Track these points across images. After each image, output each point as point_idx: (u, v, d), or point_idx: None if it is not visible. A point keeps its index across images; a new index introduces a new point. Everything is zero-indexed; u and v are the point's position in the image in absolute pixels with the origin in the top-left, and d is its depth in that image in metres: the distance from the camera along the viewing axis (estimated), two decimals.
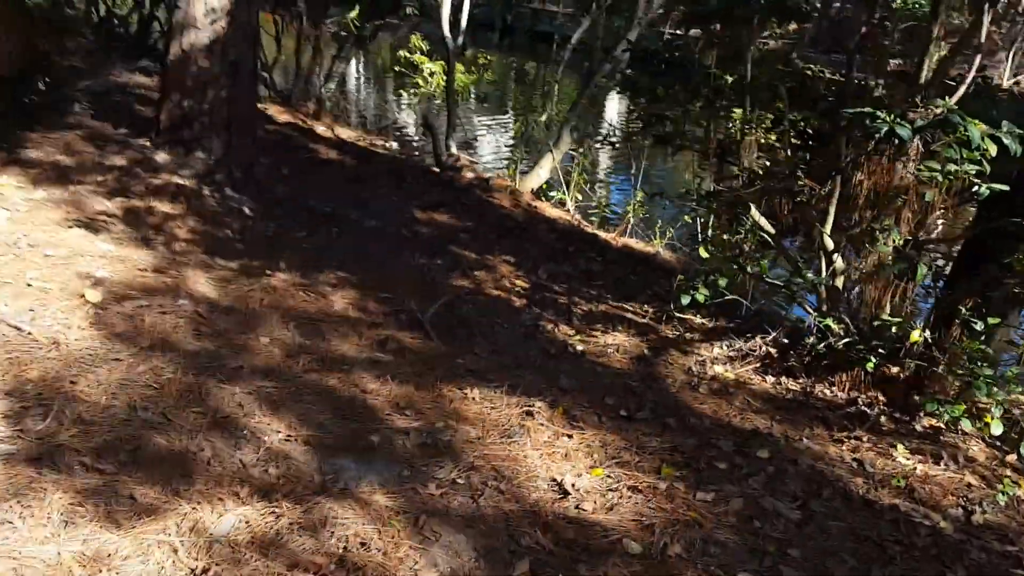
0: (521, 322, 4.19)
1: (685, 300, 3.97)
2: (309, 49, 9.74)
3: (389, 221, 5.54)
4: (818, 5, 7.33)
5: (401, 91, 10.31)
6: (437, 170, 7.47)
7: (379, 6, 9.21)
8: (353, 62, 10.31)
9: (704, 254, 4.54)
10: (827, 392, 3.74)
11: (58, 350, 2.77)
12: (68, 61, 7.61)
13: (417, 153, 8.44)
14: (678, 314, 4.49)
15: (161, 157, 4.94)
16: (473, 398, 3.14)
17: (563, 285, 5.10)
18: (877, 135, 2.99)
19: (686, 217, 7.04)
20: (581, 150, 7.68)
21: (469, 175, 7.30)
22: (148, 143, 5.11)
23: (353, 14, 8.02)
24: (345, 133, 8.91)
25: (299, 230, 4.83)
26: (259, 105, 8.92)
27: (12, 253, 3.38)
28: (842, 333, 3.73)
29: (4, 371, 2.58)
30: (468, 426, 2.93)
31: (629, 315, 4.72)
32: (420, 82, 8.63)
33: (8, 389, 2.51)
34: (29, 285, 3.15)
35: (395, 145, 9.17)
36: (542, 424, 3.04)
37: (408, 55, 8.74)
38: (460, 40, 7.45)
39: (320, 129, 8.32)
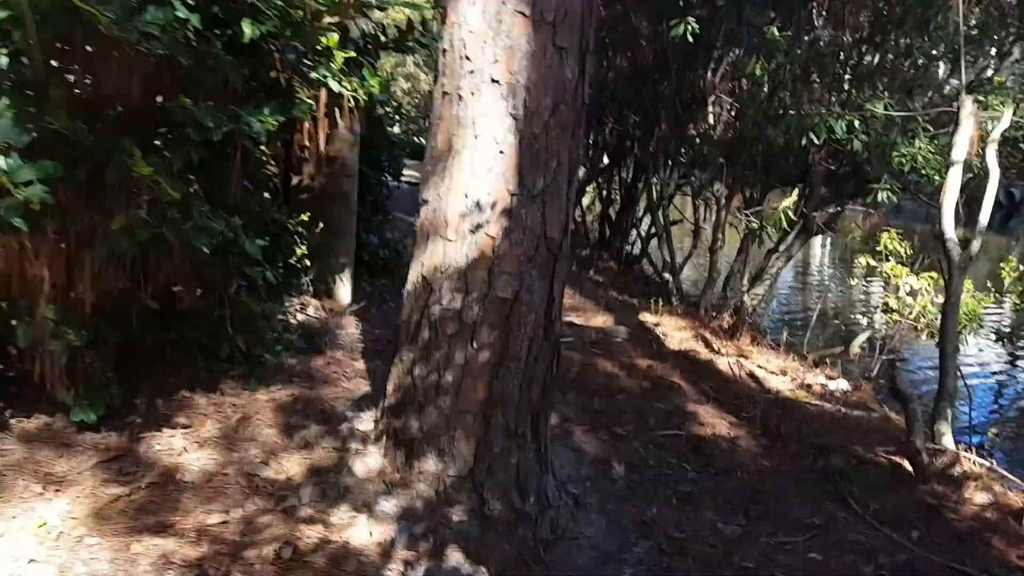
0: None
1: None
2: (735, 241, 7.31)
3: None
4: None
5: (859, 315, 7.00)
6: (911, 469, 4.11)
7: (836, 188, 6.38)
8: (792, 260, 7.50)
9: None
10: None
11: None
12: None
13: (887, 411, 5.09)
14: None
15: (363, 465, 2.74)
16: None
17: None
18: None
19: None
20: None
21: (979, 497, 3.79)
22: (371, 427, 3.00)
23: (788, 202, 5.30)
24: (765, 364, 6.00)
25: None
26: (652, 319, 6.62)
27: None
28: None
29: None
30: None
31: None
32: (892, 303, 5.29)
33: None
34: None
35: (844, 387, 5.95)
36: None
37: (873, 261, 5.54)
38: (976, 245, 4.16)
39: (723, 362, 5.58)
